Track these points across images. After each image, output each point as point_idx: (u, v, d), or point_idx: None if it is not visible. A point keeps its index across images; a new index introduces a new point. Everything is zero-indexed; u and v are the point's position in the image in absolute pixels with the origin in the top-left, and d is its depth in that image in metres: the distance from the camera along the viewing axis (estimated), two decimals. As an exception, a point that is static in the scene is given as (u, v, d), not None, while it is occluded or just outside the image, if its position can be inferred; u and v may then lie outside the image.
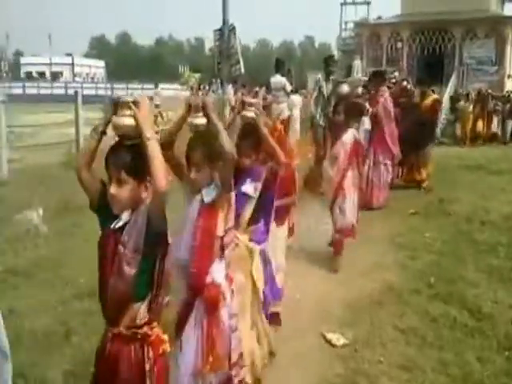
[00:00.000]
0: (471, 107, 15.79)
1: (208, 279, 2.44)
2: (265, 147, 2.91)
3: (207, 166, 2.43)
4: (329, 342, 3.61)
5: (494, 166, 10.16)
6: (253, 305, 2.91)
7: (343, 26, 32.62)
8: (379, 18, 31.83)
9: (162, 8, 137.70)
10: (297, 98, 10.78)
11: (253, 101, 2.89)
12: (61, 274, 4.43)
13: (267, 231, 3.09)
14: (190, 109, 2.40)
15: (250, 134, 2.88)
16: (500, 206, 6.97)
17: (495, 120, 16.23)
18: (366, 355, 3.42)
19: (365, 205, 6.47)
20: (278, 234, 3.63)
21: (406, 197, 7.77)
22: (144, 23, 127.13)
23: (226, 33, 9.37)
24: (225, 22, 9.42)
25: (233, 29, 9.39)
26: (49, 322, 3.62)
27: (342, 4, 32.22)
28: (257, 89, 13.75)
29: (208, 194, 2.44)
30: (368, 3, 32.29)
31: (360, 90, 7.28)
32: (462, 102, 15.91)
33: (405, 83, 9.43)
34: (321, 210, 5.87)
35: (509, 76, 24.83)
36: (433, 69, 23.08)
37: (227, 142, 2.32)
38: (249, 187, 2.87)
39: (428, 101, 8.64)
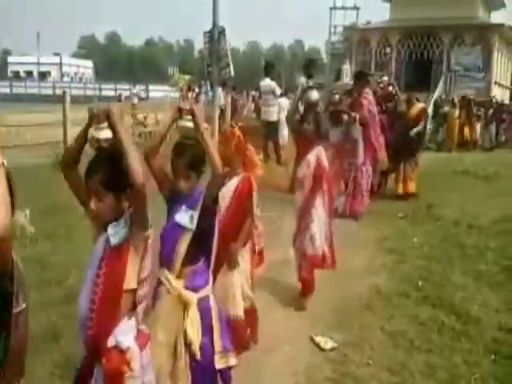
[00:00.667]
0: (457, 113, 15.92)
1: (110, 343, 1.91)
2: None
3: (111, 194, 1.95)
4: (317, 345, 3.61)
5: (481, 172, 10.27)
6: (183, 373, 2.39)
7: (332, 30, 32.81)
8: (368, 22, 32.05)
9: (152, 9, 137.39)
10: (285, 102, 10.81)
11: (190, 108, 2.38)
12: (48, 275, 4.38)
13: (209, 273, 2.54)
14: (93, 119, 1.93)
15: (187, 149, 2.41)
16: (488, 211, 7.04)
17: (477, 126, 16.49)
18: (355, 358, 3.42)
19: (349, 213, 6.79)
20: (233, 278, 3.13)
21: (394, 201, 7.82)
22: (134, 24, 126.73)
23: (215, 35, 9.36)
24: (215, 24, 9.42)
25: (222, 31, 9.38)
26: (36, 324, 3.57)
27: (331, 8, 32.38)
28: (253, 93, 13.74)
29: (115, 233, 1.93)
30: (357, 8, 32.51)
31: (337, 96, 7.16)
32: (446, 108, 16.06)
33: (390, 88, 9.24)
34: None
35: (495, 83, 25.18)
36: (421, 74, 23.32)
37: (136, 165, 1.84)
38: (184, 216, 2.39)
39: (414, 110, 8.39)
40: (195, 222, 2.38)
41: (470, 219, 6.61)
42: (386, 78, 9.53)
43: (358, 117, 6.87)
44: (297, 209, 4.37)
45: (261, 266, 3.52)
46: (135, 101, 19.58)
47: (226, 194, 3.10)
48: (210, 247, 2.54)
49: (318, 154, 4.32)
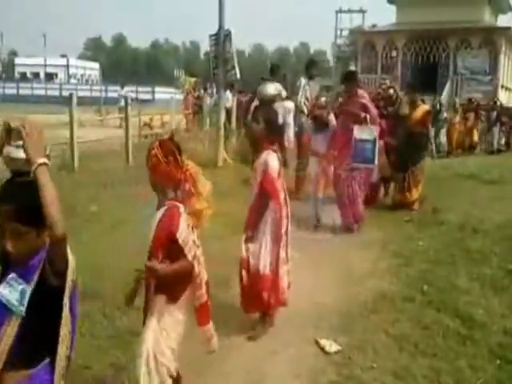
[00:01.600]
0: (458, 118, 15.77)
1: None
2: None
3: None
4: (322, 348, 3.61)
5: (486, 176, 10.23)
6: None
7: (338, 33, 32.89)
8: (374, 26, 32.11)
9: (159, 11, 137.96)
10: (291, 104, 10.80)
11: (21, 125, 1.56)
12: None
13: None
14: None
15: (16, 191, 1.67)
16: (493, 215, 7.01)
17: (479, 129, 16.35)
18: (359, 362, 3.43)
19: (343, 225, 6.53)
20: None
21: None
22: (140, 25, 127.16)
23: (221, 38, 9.40)
24: (221, 27, 9.46)
25: (228, 34, 9.42)
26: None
27: (337, 11, 32.49)
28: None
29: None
30: (363, 11, 32.59)
31: (323, 99, 6.94)
32: (445, 114, 15.76)
33: (391, 91, 8.53)
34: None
35: (502, 86, 25.11)
36: (427, 78, 23.29)
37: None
38: (10, 290, 1.64)
39: (418, 113, 7.67)
40: (25, 302, 1.64)
41: (476, 223, 6.57)
42: (387, 81, 9.03)
43: (368, 117, 6.28)
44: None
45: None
46: (122, 104, 19.37)
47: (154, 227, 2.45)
48: (55, 343, 1.69)
49: (267, 160, 3.63)
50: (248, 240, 3.70)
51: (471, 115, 16.01)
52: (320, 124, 6.60)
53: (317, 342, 3.68)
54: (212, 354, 3.08)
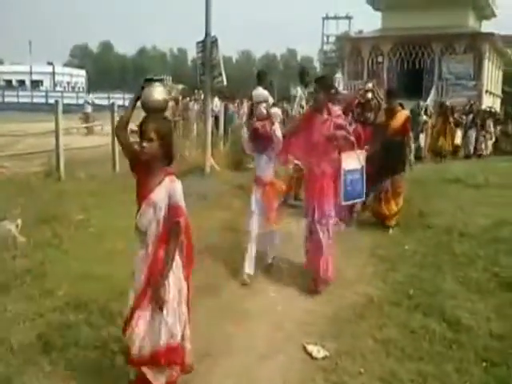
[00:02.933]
0: (431, 121, 15.47)
1: None
2: None
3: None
4: (310, 354, 3.61)
5: (471, 180, 10.34)
6: None
7: (325, 40, 33.14)
8: (360, 32, 32.42)
9: (145, 18, 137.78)
10: (277, 111, 10.81)
11: None
12: (39, 285, 4.35)
13: None
14: None
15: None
16: (478, 219, 7.08)
17: (459, 133, 15.90)
18: (347, 367, 3.42)
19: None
20: None
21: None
22: (127, 33, 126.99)
23: (208, 45, 9.42)
24: (207, 34, 9.48)
25: (215, 41, 9.44)
26: (26, 335, 3.55)
27: (323, 18, 32.77)
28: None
29: None
30: (349, 18, 32.89)
31: (264, 110, 5.08)
32: (424, 117, 15.18)
33: (369, 95, 7.52)
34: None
35: (486, 91, 25.43)
36: (413, 83, 23.55)
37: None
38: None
39: (397, 121, 6.91)
40: None
41: (461, 227, 6.63)
42: (370, 85, 7.99)
43: (353, 140, 4.97)
44: None
45: None
46: (89, 109, 19.26)
47: None
48: None
49: (169, 191, 2.73)
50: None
51: (440, 119, 15.53)
52: (260, 140, 4.93)
53: (305, 348, 3.68)
54: (202, 359, 3.06)
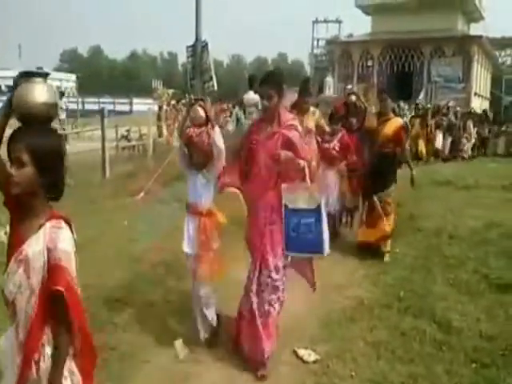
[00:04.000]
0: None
1: None
2: None
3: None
4: (301, 358, 3.61)
5: (461, 182, 10.39)
6: None
7: (315, 44, 33.27)
8: (350, 35, 32.58)
9: (136, 22, 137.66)
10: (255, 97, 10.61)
11: None
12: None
13: None
14: None
15: None
16: (468, 221, 7.13)
17: (440, 136, 15.36)
18: (338, 370, 3.43)
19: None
20: None
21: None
22: (117, 37, 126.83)
23: (198, 49, 9.42)
24: (197, 38, 9.48)
25: (206, 45, 9.44)
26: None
27: (314, 22, 32.89)
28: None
29: None
30: (339, 22, 33.03)
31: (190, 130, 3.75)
32: (405, 119, 14.08)
33: (353, 98, 6.99)
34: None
35: (475, 93, 25.65)
36: (402, 86, 23.68)
37: None
38: None
39: (390, 128, 5.82)
40: None
41: (451, 229, 6.67)
42: (349, 87, 7.05)
43: (303, 164, 3.47)
44: None
45: None
46: (63, 116, 19.03)
47: None
48: None
49: (49, 242, 1.82)
50: None
51: (416, 121, 14.67)
52: (196, 153, 3.69)
53: (296, 352, 3.67)
54: (191, 367, 3.03)
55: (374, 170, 5.83)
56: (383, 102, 5.99)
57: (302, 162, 3.42)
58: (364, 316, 4.26)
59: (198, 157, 3.66)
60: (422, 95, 21.37)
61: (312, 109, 6.12)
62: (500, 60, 35.05)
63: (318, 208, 3.41)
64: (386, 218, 5.85)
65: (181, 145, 3.78)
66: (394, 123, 5.93)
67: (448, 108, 16.91)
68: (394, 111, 6.62)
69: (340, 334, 3.94)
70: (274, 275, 3.47)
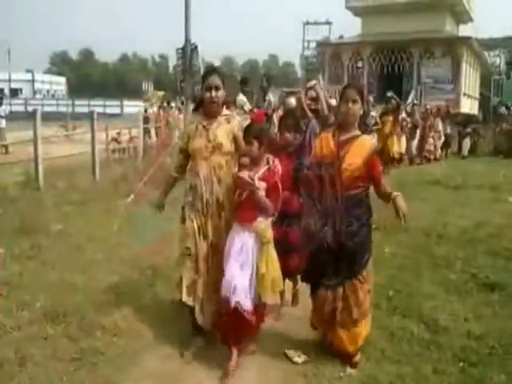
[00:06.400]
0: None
1: None
2: None
3: None
4: (290, 359, 3.61)
5: (450, 182, 10.47)
6: None
7: (306, 45, 33.39)
8: (341, 37, 32.71)
9: (126, 25, 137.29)
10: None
11: None
12: (16, 297, 4.30)
13: None
14: None
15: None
16: (456, 220, 7.18)
17: (403, 138, 13.87)
18: (327, 372, 3.43)
19: None
20: None
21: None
22: (108, 40, 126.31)
23: (188, 52, 9.44)
24: (187, 40, 9.50)
25: (195, 48, 9.48)
26: (2, 348, 3.50)
27: (304, 24, 33.03)
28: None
29: None
30: (329, 23, 33.18)
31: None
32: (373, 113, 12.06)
33: (313, 93, 4.67)
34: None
35: (464, 94, 25.83)
36: (392, 87, 23.77)
37: None
38: None
39: (357, 154, 3.39)
40: None
41: (440, 229, 6.72)
42: (313, 82, 5.24)
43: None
44: None
45: None
46: (2, 125, 18.77)
47: None
48: None
49: None
50: None
51: (388, 120, 12.71)
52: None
53: (285, 354, 3.68)
54: (181, 370, 3.00)
55: (332, 242, 3.39)
56: (347, 108, 3.36)
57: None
58: (353, 316, 4.26)
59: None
60: (411, 96, 21.47)
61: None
62: (489, 61, 35.34)
63: None
64: (364, 318, 3.55)
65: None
66: (363, 145, 3.43)
67: (413, 105, 16.16)
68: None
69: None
70: None
